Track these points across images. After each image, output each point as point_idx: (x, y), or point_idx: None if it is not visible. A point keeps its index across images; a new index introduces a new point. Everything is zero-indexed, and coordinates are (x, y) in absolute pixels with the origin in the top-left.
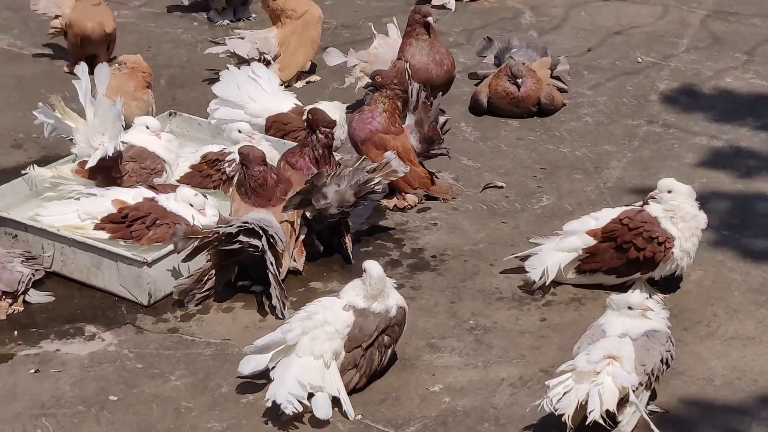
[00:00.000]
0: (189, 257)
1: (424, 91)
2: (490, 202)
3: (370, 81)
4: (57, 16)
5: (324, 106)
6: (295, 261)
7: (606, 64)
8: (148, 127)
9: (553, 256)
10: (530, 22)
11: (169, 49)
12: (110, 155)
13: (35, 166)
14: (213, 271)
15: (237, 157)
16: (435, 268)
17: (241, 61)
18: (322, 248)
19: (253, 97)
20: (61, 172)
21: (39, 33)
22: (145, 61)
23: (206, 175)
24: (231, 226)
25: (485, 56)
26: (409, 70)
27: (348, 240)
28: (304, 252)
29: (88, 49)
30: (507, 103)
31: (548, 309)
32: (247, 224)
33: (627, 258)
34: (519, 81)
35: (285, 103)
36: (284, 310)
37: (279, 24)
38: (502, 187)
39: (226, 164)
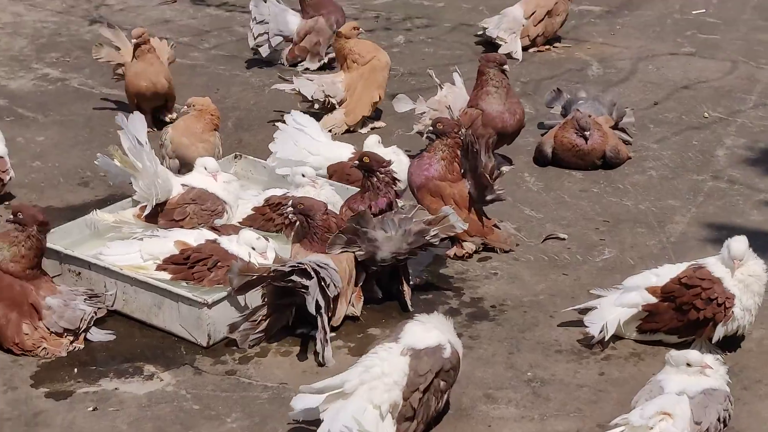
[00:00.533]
0: (242, 290)
1: (476, 139)
2: (551, 253)
3: (431, 128)
4: (120, 65)
5: (378, 150)
6: (353, 306)
7: (672, 118)
8: (205, 168)
9: (613, 311)
10: (597, 73)
11: (237, 92)
12: (158, 202)
13: (98, 211)
14: (267, 312)
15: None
16: (494, 318)
17: (305, 101)
18: (381, 294)
19: (311, 151)
20: (122, 216)
21: (108, 73)
22: (213, 104)
23: (268, 218)
24: (284, 265)
25: (553, 107)
26: (481, 118)
27: (407, 287)
28: (362, 298)
29: (144, 105)
30: (572, 156)
31: (607, 363)
32: (300, 264)
33: (687, 319)
34: (586, 134)
35: (343, 151)
36: (324, 354)
37: (346, 68)
38: (564, 238)
39: (289, 208)
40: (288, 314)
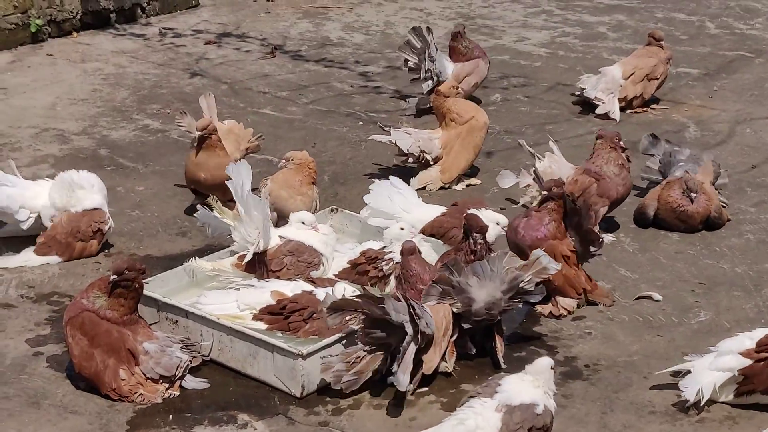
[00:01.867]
0: (333, 311)
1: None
2: (646, 314)
3: (546, 192)
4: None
5: (484, 214)
6: (445, 361)
7: None
8: (303, 223)
9: (708, 375)
10: (695, 136)
11: (334, 146)
12: (261, 250)
13: (197, 258)
14: (362, 354)
15: (396, 255)
16: (587, 378)
17: (400, 154)
18: (474, 350)
19: (404, 209)
20: (221, 265)
21: None
22: (310, 157)
23: (363, 271)
24: (381, 298)
25: (652, 155)
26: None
27: (500, 344)
28: (456, 353)
29: (200, 193)
30: (675, 218)
31: (701, 425)
32: (397, 298)
33: None
34: (693, 195)
35: (435, 212)
36: (398, 377)
37: (444, 126)
38: (658, 300)
39: (384, 262)
40: (383, 358)
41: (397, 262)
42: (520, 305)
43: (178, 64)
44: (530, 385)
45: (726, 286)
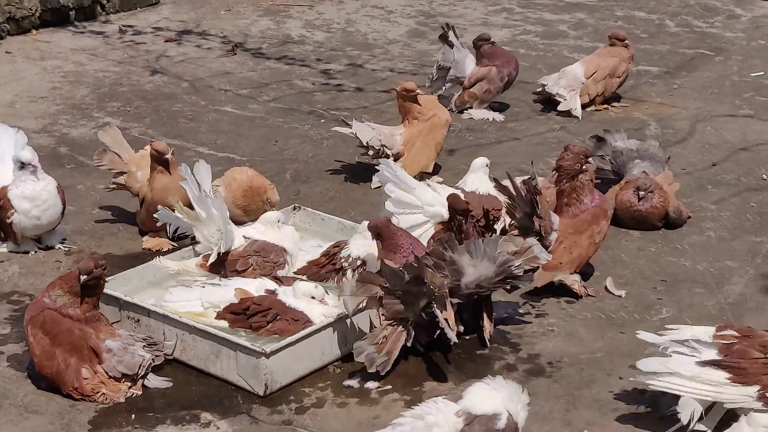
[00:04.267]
0: (357, 313)
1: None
2: (608, 311)
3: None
4: (121, 173)
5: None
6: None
7: (730, 180)
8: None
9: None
10: (655, 133)
11: (296, 144)
12: (223, 251)
13: (161, 257)
14: (386, 333)
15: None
16: (551, 375)
17: (360, 146)
18: (462, 328)
19: (427, 201)
20: (185, 266)
21: (170, 122)
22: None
23: (321, 264)
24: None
25: (601, 155)
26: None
27: (487, 323)
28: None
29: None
30: (630, 218)
31: (664, 422)
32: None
33: None
34: (641, 194)
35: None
36: (451, 335)
37: (406, 123)
38: (620, 296)
39: (342, 258)
40: (406, 334)
41: (355, 258)
42: (507, 288)
43: (138, 61)
44: (494, 391)
45: (688, 283)
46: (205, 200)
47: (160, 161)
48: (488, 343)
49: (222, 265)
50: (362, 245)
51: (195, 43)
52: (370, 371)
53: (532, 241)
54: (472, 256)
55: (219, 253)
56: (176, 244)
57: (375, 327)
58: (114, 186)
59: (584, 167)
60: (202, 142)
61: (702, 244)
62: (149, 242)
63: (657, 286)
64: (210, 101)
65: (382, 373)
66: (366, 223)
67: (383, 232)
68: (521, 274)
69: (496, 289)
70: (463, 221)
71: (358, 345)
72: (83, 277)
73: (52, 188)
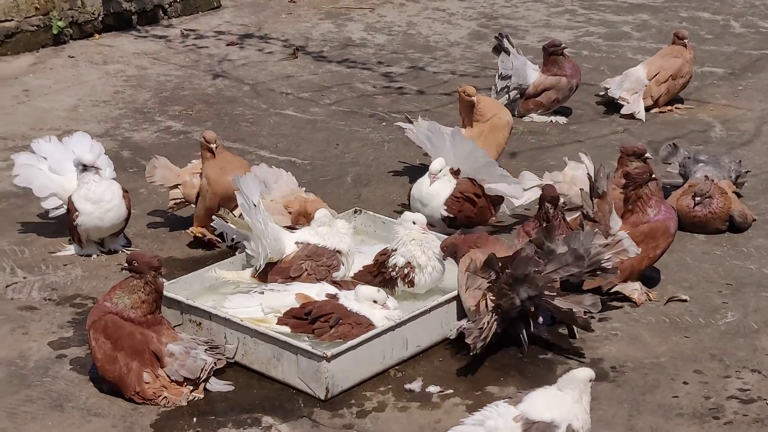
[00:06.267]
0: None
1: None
2: (672, 315)
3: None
4: (176, 186)
5: None
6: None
7: None
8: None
9: None
10: (720, 135)
11: (357, 147)
12: (270, 261)
13: (216, 268)
14: (489, 320)
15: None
16: (614, 380)
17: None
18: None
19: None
20: (240, 276)
21: (231, 126)
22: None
23: (376, 273)
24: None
25: (670, 163)
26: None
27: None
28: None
29: (226, 208)
30: (690, 223)
31: (729, 428)
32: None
33: None
34: (697, 200)
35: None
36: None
37: (469, 124)
38: (685, 300)
39: (390, 268)
40: (502, 323)
41: (401, 267)
42: (593, 278)
43: (200, 65)
44: (557, 401)
45: (753, 286)
46: (251, 211)
47: (208, 149)
48: (576, 335)
49: (276, 274)
50: (405, 250)
51: (256, 46)
52: (471, 353)
53: (623, 234)
54: (569, 247)
55: (260, 265)
56: (220, 240)
57: (473, 313)
58: (173, 205)
59: (653, 176)
60: (263, 145)
61: None
62: (195, 229)
63: (722, 290)
64: (271, 105)
65: (478, 353)
66: (407, 214)
67: (459, 250)
68: (610, 267)
69: (585, 279)
70: (551, 209)
71: (466, 327)
72: (125, 265)
73: (116, 190)
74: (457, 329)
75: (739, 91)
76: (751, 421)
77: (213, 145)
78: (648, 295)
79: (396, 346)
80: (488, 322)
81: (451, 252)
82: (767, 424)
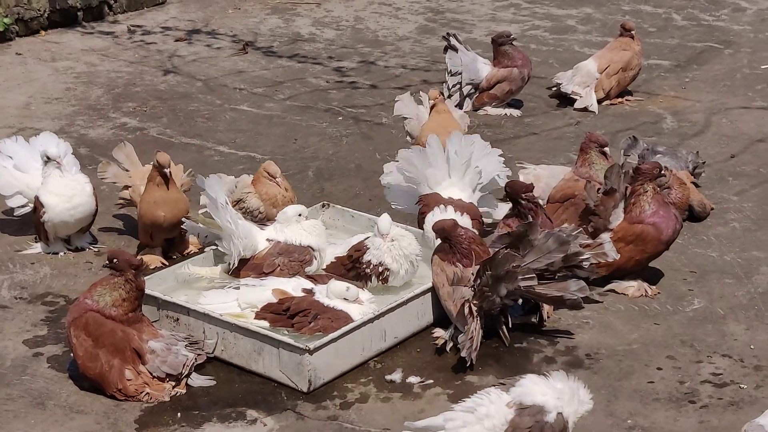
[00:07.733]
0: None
1: None
2: (641, 303)
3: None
4: (126, 187)
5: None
6: None
7: (750, 171)
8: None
9: None
10: (672, 126)
11: (315, 142)
12: (235, 262)
13: (189, 265)
14: (474, 327)
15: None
16: (590, 367)
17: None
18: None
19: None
20: (213, 272)
21: (187, 122)
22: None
23: (348, 268)
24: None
25: (630, 155)
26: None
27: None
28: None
29: (157, 237)
30: None
31: (706, 411)
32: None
33: None
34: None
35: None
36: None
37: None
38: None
39: (364, 264)
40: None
41: (375, 265)
42: (569, 274)
43: (149, 61)
44: (548, 386)
45: (717, 273)
46: (217, 211)
47: (159, 173)
48: (545, 323)
49: (249, 269)
50: (381, 251)
51: (205, 42)
52: (468, 365)
53: (606, 237)
54: (548, 241)
55: (233, 263)
56: (167, 263)
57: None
58: (121, 202)
59: (662, 172)
60: (221, 141)
61: (727, 235)
62: (144, 258)
63: (686, 278)
64: (226, 100)
65: (474, 362)
66: (385, 216)
67: (451, 236)
68: (587, 266)
69: (560, 273)
70: (528, 201)
71: (461, 340)
72: (106, 262)
73: (82, 182)
74: (451, 343)
75: (686, 83)
76: (726, 404)
77: (167, 170)
78: (647, 290)
79: (375, 337)
80: (475, 329)
81: (442, 236)
82: (742, 407)
